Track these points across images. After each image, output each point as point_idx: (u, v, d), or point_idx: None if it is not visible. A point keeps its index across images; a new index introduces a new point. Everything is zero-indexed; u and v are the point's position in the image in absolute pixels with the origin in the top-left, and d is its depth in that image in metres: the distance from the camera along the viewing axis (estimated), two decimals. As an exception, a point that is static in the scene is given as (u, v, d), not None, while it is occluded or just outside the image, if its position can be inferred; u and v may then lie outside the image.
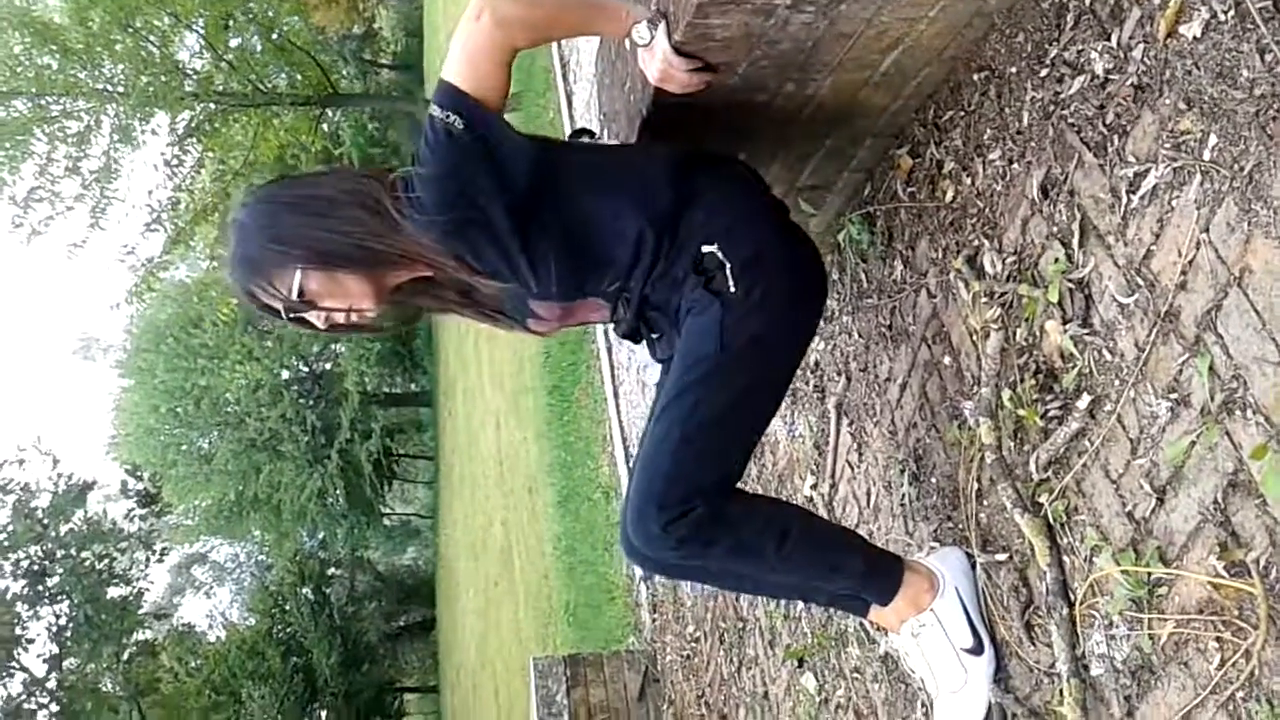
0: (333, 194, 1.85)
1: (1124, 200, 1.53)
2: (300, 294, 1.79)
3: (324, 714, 25.81)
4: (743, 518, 1.80)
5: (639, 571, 5.34)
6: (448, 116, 1.68)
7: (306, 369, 26.93)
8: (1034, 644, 1.74)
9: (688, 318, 1.82)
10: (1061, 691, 1.60)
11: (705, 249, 1.80)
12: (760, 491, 3.16)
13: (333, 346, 26.87)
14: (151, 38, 9.77)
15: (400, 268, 1.85)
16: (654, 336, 1.99)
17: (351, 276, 1.81)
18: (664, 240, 1.82)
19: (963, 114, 1.98)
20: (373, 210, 1.78)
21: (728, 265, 1.78)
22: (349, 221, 1.79)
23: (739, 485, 1.87)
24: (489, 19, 1.68)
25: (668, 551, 1.76)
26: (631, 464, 1.96)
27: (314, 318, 1.85)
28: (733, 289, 1.77)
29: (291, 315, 1.83)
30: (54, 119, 9.63)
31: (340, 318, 1.86)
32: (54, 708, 20.58)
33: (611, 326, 2.03)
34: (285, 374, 25.92)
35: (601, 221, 1.83)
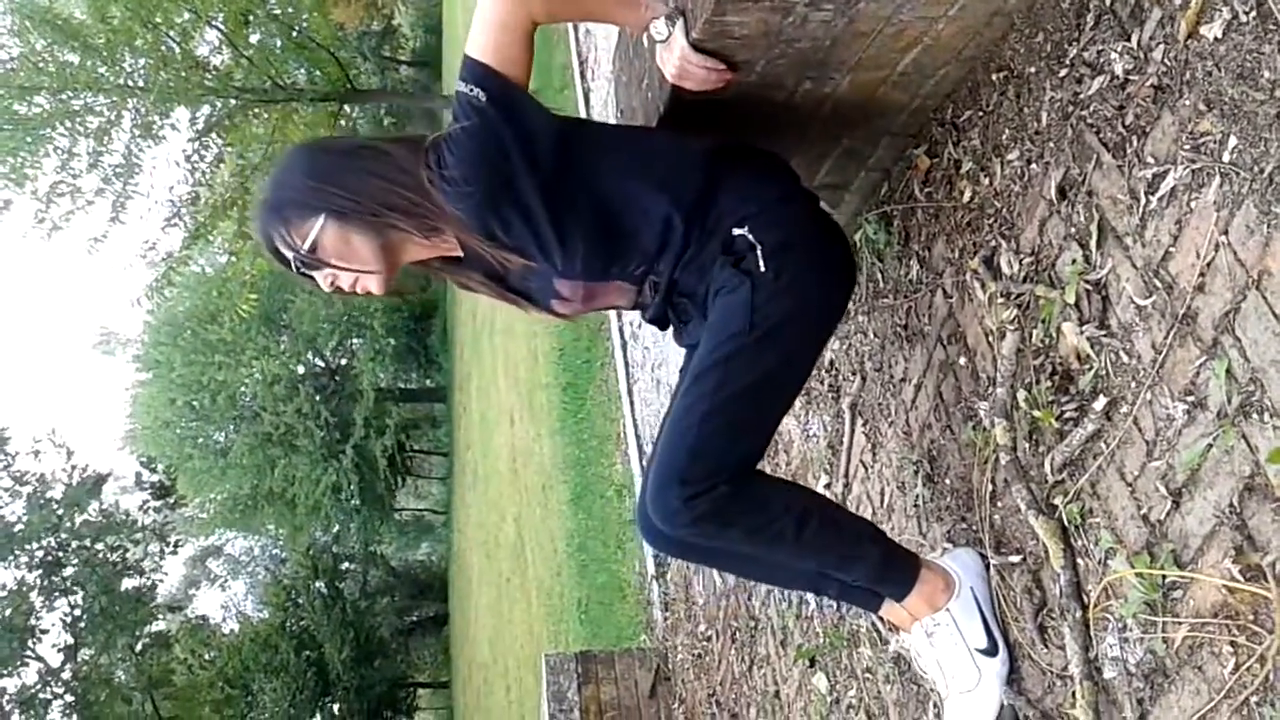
0: (376, 148, 1.87)
1: (1143, 201, 1.52)
2: (313, 248, 1.80)
3: (336, 708, 25.91)
4: (763, 499, 1.79)
5: (651, 569, 5.34)
6: (471, 90, 1.69)
7: (322, 364, 27.04)
8: (1047, 646, 1.73)
9: (718, 297, 1.82)
10: (1074, 694, 1.60)
11: (736, 231, 1.81)
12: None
13: (348, 342, 26.97)
14: (171, 33, 9.82)
15: (427, 239, 1.85)
16: (683, 323, 1.99)
17: (366, 244, 1.81)
18: (693, 226, 1.82)
19: (981, 114, 1.98)
20: (407, 172, 1.79)
21: (759, 247, 1.78)
22: (388, 177, 1.79)
23: (759, 468, 1.87)
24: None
25: (685, 528, 1.75)
26: (645, 462, 1.96)
27: (320, 277, 1.85)
28: (763, 269, 1.77)
29: (300, 268, 1.84)
30: (75, 114, 9.70)
31: (345, 283, 1.86)
32: (69, 698, 20.69)
33: (639, 312, 2.02)
34: (301, 369, 26.05)
35: (631, 204, 1.82)
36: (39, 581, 21.23)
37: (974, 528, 1.98)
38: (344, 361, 27.53)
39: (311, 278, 1.86)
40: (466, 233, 1.81)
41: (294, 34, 11.38)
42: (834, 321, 1.94)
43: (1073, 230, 1.69)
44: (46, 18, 9.55)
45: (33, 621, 20.92)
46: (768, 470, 3.20)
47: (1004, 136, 1.91)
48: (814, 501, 1.94)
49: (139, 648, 22.30)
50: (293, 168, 1.88)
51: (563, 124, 1.81)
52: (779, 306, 1.77)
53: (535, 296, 1.99)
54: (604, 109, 7.04)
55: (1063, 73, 1.72)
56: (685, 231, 1.82)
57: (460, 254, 1.90)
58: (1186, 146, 1.43)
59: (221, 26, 10.41)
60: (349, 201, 1.78)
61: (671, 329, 2.05)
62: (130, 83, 9.87)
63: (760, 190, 1.86)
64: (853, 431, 2.60)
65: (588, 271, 1.88)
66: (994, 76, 1.93)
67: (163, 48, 9.86)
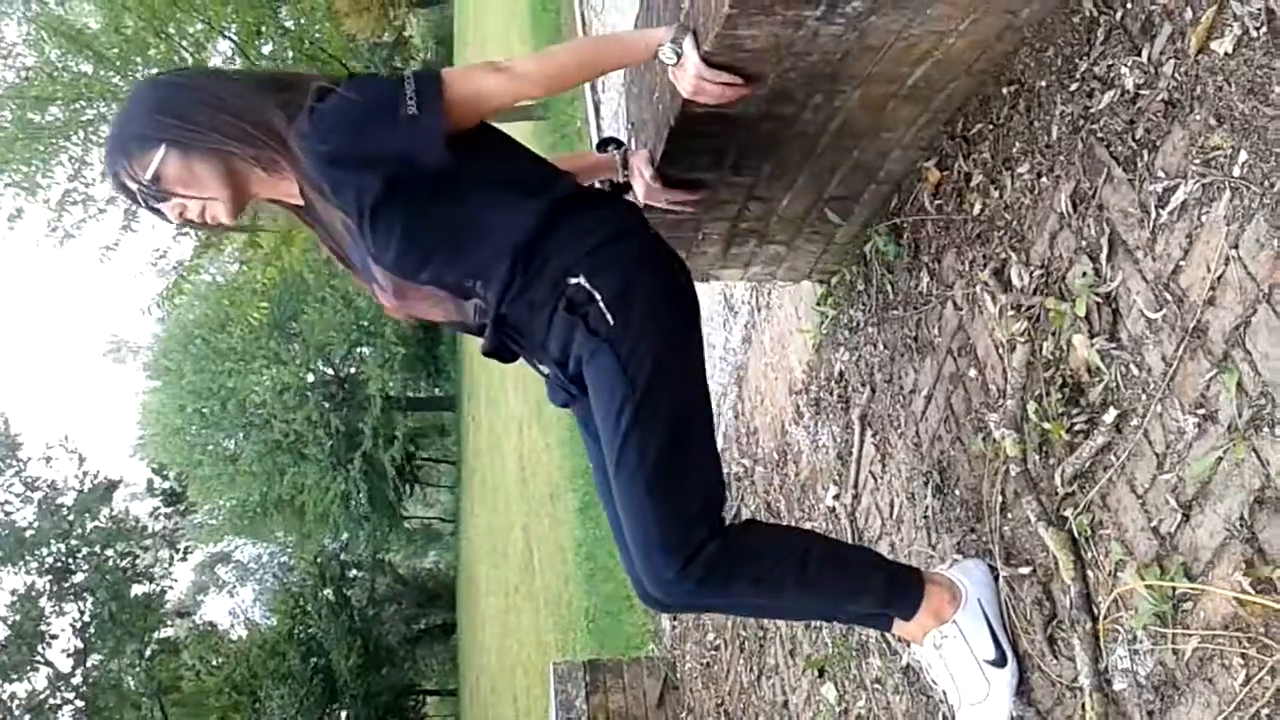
0: (224, 81, 1.87)
1: (1153, 215, 1.53)
2: (155, 179, 1.77)
3: (343, 715, 25.92)
4: (758, 550, 1.79)
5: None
6: (410, 95, 1.69)
7: (331, 372, 27.10)
8: (1057, 657, 1.74)
9: (585, 367, 1.78)
10: (1084, 705, 1.60)
11: (570, 280, 1.76)
12: (781, 502, 3.16)
13: (357, 351, 27.02)
14: (185, 43, 9.89)
15: (267, 173, 1.82)
16: (539, 368, 1.94)
17: (209, 173, 1.78)
18: (518, 263, 1.78)
19: (992, 127, 1.99)
20: (251, 105, 1.77)
21: (598, 297, 1.75)
22: (228, 107, 1.77)
23: (751, 515, 1.86)
24: (509, 75, 1.76)
25: (689, 596, 1.76)
26: (610, 517, 1.95)
27: (167, 208, 1.82)
28: (611, 322, 1.74)
29: (148, 202, 1.81)
30: (88, 123, 9.75)
31: (193, 213, 1.83)
32: (79, 703, 20.72)
33: (479, 342, 1.97)
34: (311, 377, 26.12)
35: (465, 220, 1.79)
36: (49, 587, 21.27)
37: (984, 539, 1.98)
38: (353, 370, 27.58)
39: (160, 211, 1.83)
40: (299, 170, 1.77)
41: (306, 45, 11.44)
42: (697, 329, 1.88)
43: (1083, 243, 1.70)
44: (61, 28, 9.62)
45: (42, 627, 20.95)
46: (776, 482, 3.21)
47: (1015, 150, 1.91)
48: (811, 541, 1.94)
49: (148, 654, 22.33)
50: (136, 102, 1.86)
51: (453, 159, 1.74)
52: (645, 353, 1.73)
53: (358, 271, 1.96)
54: (614, 121, 7.06)
55: (1073, 87, 1.73)
56: (512, 267, 1.78)
57: (301, 203, 1.87)
58: (1197, 161, 1.44)
59: (234, 37, 10.48)
60: (189, 131, 1.76)
61: (547, 390, 2.01)
62: (143, 92, 9.92)
63: (589, 232, 1.82)
64: (862, 443, 2.60)
65: (398, 266, 1.83)
66: (1005, 90, 1.94)
67: (176, 58, 9.93)
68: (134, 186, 1.79)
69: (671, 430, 1.75)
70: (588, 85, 8.29)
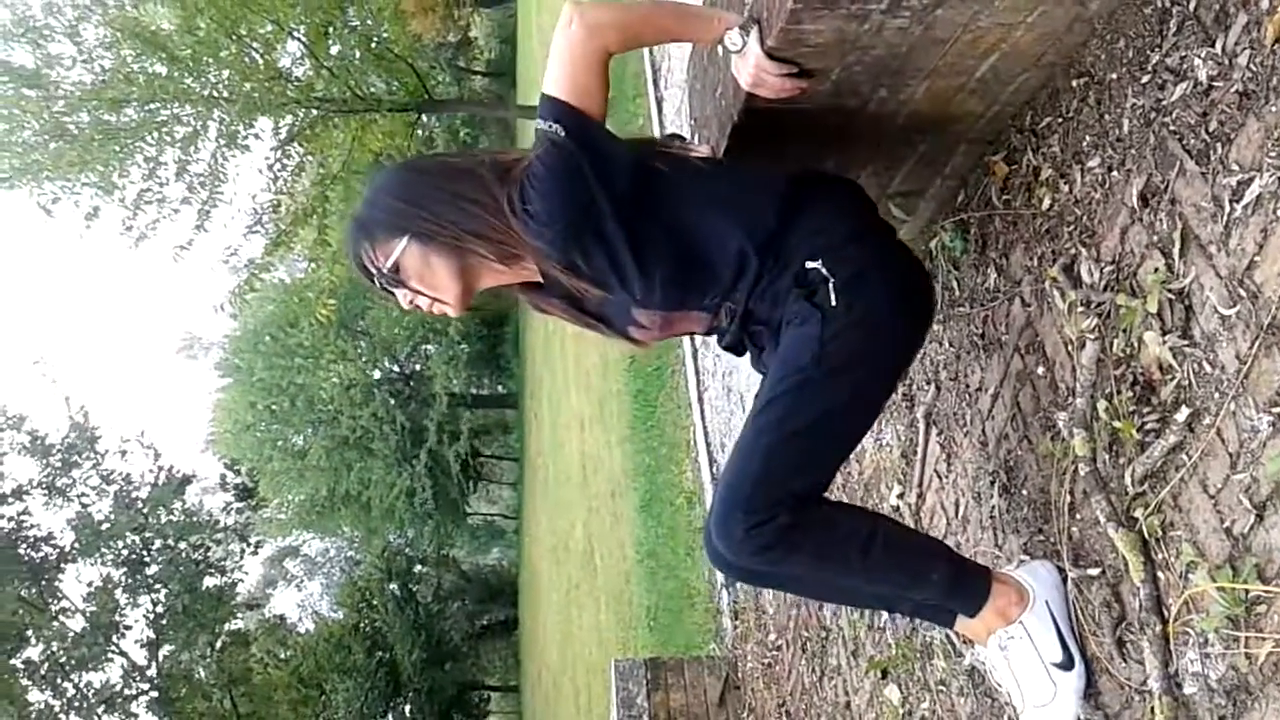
0: (468, 171, 1.90)
1: (1226, 209, 1.49)
2: (395, 269, 1.86)
3: (407, 709, 26.21)
4: (827, 525, 1.79)
5: (720, 578, 5.33)
6: (550, 126, 1.73)
7: (397, 370, 27.44)
8: (1125, 660, 1.71)
9: (787, 329, 1.82)
10: (1153, 709, 1.57)
11: (809, 264, 1.80)
12: (845, 500, 3.14)
13: (422, 348, 27.35)
14: (255, 45, 10.05)
15: (507, 266, 1.89)
16: (758, 350, 1.99)
17: (445, 268, 1.86)
18: (767, 258, 1.83)
19: (1061, 120, 1.96)
20: (494, 197, 1.82)
21: (831, 280, 1.78)
22: (473, 202, 1.83)
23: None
24: (579, 26, 1.74)
25: (751, 557, 1.76)
26: (715, 470, 1.97)
27: (401, 295, 1.91)
28: (834, 303, 1.77)
29: (383, 286, 1.90)
30: (162, 124, 9.96)
31: (424, 304, 1.92)
32: (153, 694, 21.21)
33: (715, 339, 2.03)
34: (377, 374, 26.47)
35: (707, 236, 1.84)
36: (124, 579, 21.79)
37: (1051, 540, 1.95)
38: (418, 367, 27.91)
39: (393, 294, 1.92)
40: (546, 262, 1.84)
41: (373, 45, 11.58)
42: (908, 358, 1.92)
43: (1155, 238, 1.66)
44: (136, 30, 9.84)
45: (117, 618, 21.48)
46: (839, 480, 3.19)
47: (1084, 143, 1.88)
48: (878, 523, 1.93)
49: (219, 645, 22.78)
50: (384, 188, 1.94)
51: (636, 156, 1.83)
52: (848, 342, 1.76)
53: (613, 323, 2.01)
54: (677, 117, 7.06)
55: (1145, 79, 1.70)
56: (760, 263, 1.83)
57: (539, 279, 1.93)
58: (1272, 153, 1.40)
59: (303, 38, 10.64)
60: (433, 225, 1.83)
61: (749, 355, 2.05)
62: (215, 93, 10.13)
63: (835, 223, 1.86)
64: (927, 441, 2.58)
65: (665, 301, 1.90)
66: (1074, 83, 1.91)
67: (246, 59, 10.11)
68: (372, 270, 1.89)
69: (824, 417, 1.78)
70: (650, 82, 8.30)
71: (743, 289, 1.86)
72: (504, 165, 1.87)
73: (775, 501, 1.72)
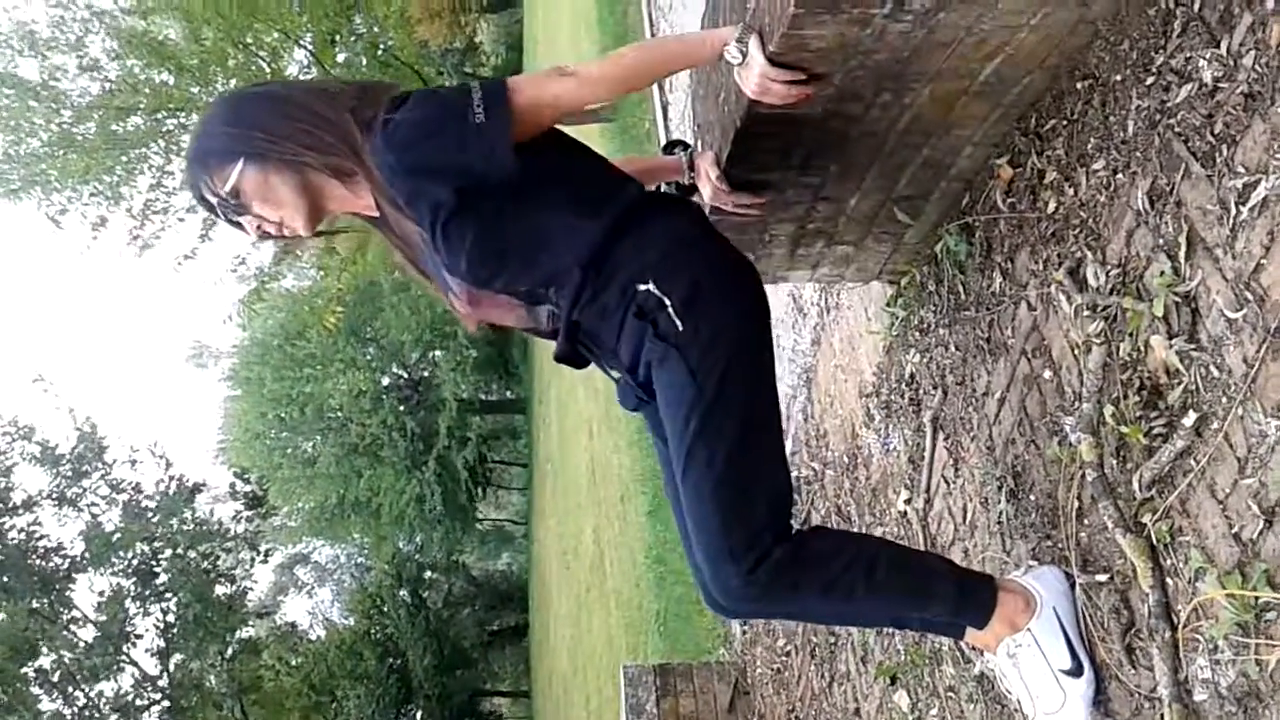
0: (293, 94, 1.88)
1: (1233, 212, 1.48)
2: (234, 193, 1.80)
3: (419, 715, 26.21)
4: (825, 556, 1.77)
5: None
6: (478, 105, 1.70)
7: (406, 376, 27.45)
8: (1135, 667, 1.69)
9: (654, 371, 1.78)
10: (1163, 716, 1.56)
11: (640, 287, 1.76)
12: (852, 506, 3.13)
13: (430, 354, 27.36)
14: (262, 53, 10.10)
15: (341, 182, 1.84)
16: (610, 373, 1.94)
17: (286, 185, 1.81)
18: (589, 270, 1.78)
19: (1065, 123, 1.94)
20: (324, 116, 1.79)
21: (668, 303, 1.74)
22: (302, 119, 1.79)
23: (820, 521, 1.84)
24: (575, 79, 1.76)
25: (754, 602, 1.75)
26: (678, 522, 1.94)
27: (247, 222, 1.86)
28: (681, 328, 1.73)
29: (228, 215, 1.85)
30: (169, 133, 10.02)
31: (271, 227, 1.87)
32: (164, 704, 21.22)
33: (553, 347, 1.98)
34: (385, 381, 26.49)
35: (535, 230, 1.80)
36: (134, 589, 21.81)
37: (1059, 545, 1.94)
38: (426, 373, 27.92)
39: (239, 224, 1.87)
40: (375, 184, 1.79)
41: (379, 52, 11.62)
42: (767, 333, 1.86)
43: (1161, 241, 1.65)
44: (143, 41, 9.89)
45: (128, 628, 21.48)
46: (847, 486, 3.18)
47: (1089, 146, 1.87)
48: (878, 547, 1.92)
49: (229, 654, 22.77)
50: (214, 116, 1.90)
51: (520, 167, 1.74)
52: (714, 358, 1.73)
53: (437, 283, 1.97)
54: (682, 122, 7.06)
55: (1149, 80, 1.69)
56: (582, 275, 1.78)
57: (376, 214, 1.89)
58: (1279, 156, 1.39)
59: (309, 46, 10.68)
60: (265, 142, 1.79)
61: (617, 394, 2.01)
62: (222, 102, 10.17)
63: (657, 237, 1.82)
64: (934, 446, 2.56)
65: (471, 275, 1.85)
66: (1079, 85, 1.90)
67: (253, 67, 10.15)
68: (214, 200, 1.84)
69: (739, 436, 1.74)
70: (655, 87, 8.29)
71: (564, 297, 1.81)
72: (339, 89, 1.86)
73: (755, 534, 1.70)
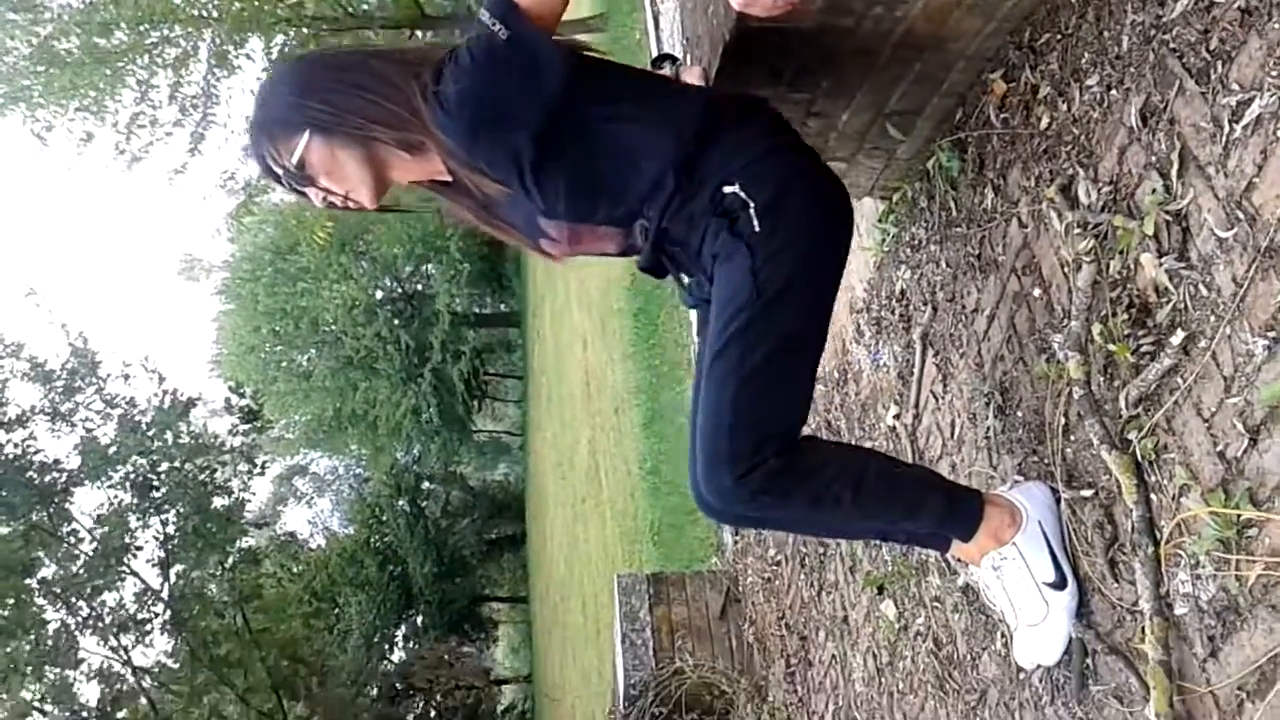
0: (364, 62, 1.85)
1: (1226, 130, 1.46)
2: (300, 165, 1.80)
3: (419, 620, 26.72)
4: (817, 466, 1.78)
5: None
6: (494, 24, 1.66)
7: (400, 289, 27.40)
8: (1117, 581, 1.72)
9: (718, 265, 1.78)
10: (1144, 629, 1.59)
11: (727, 189, 1.75)
12: (842, 421, 3.15)
13: (424, 268, 27.26)
14: (244, -41, 9.88)
15: (411, 155, 1.83)
16: (683, 278, 1.94)
17: (352, 159, 1.79)
18: (681, 176, 1.77)
19: (1060, 38, 1.91)
20: (393, 85, 1.76)
21: (751, 205, 1.73)
22: (371, 90, 1.77)
23: (811, 432, 1.85)
24: None
25: (743, 505, 1.76)
26: (689, 435, 1.94)
27: (312, 194, 1.86)
28: (757, 229, 1.72)
29: (292, 185, 1.85)
30: (153, 46, 9.82)
31: (337, 199, 1.87)
32: (167, 615, 21.50)
33: (634, 260, 1.98)
34: (379, 294, 26.44)
35: (620, 150, 1.78)
36: (133, 501, 21.94)
37: (1045, 461, 1.96)
38: (420, 287, 27.85)
39: (304, 194, 1.86)
40: (449, 155, 1.78)
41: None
42: (840, 266, 1.87)
43: (1153, 159, 1.64)
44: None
45: (128, 540, 21.66)
46: (837, 400, 3.19)
47: (1083, 61, 1.84)
48: (868, 458, 1.93)
49: (229, 563, 23.04)
50: (278, 84, 1.87)
51: (575, 70, 1.73)
52: (780, 265, 1.72)
53: (521, 230, 1.96)
54: (672, 34, 6.93)
55: (1146, -7, 1.66)
56: (675, 182, 1.77)
57: (448, 178, 1.87)
58: (1274, 72, 1.37)
59: (292, -50, 10.45)
60: (331, 115, 1.77)
61: (677, 291, 2.01)
62: (205, 13, 9.96)
63: (750, 143, 1.80)
64: (923, 362, 2.57)
65: (571, 212, 1.84)
66: (1074, -2, 1.86)
67: (236, -26, 9.94)
68: (279, 170, 1.83)
69: (778, 347, 1.74)
70: (647, -5, 8.13)
71: (656, 207, 1.80)
72: (406, 56, 1.82)
73: (758, 445, 1.71)
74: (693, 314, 2.03)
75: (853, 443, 3.03)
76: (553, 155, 1.76)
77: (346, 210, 1.93)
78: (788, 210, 1.75)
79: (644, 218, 1.84)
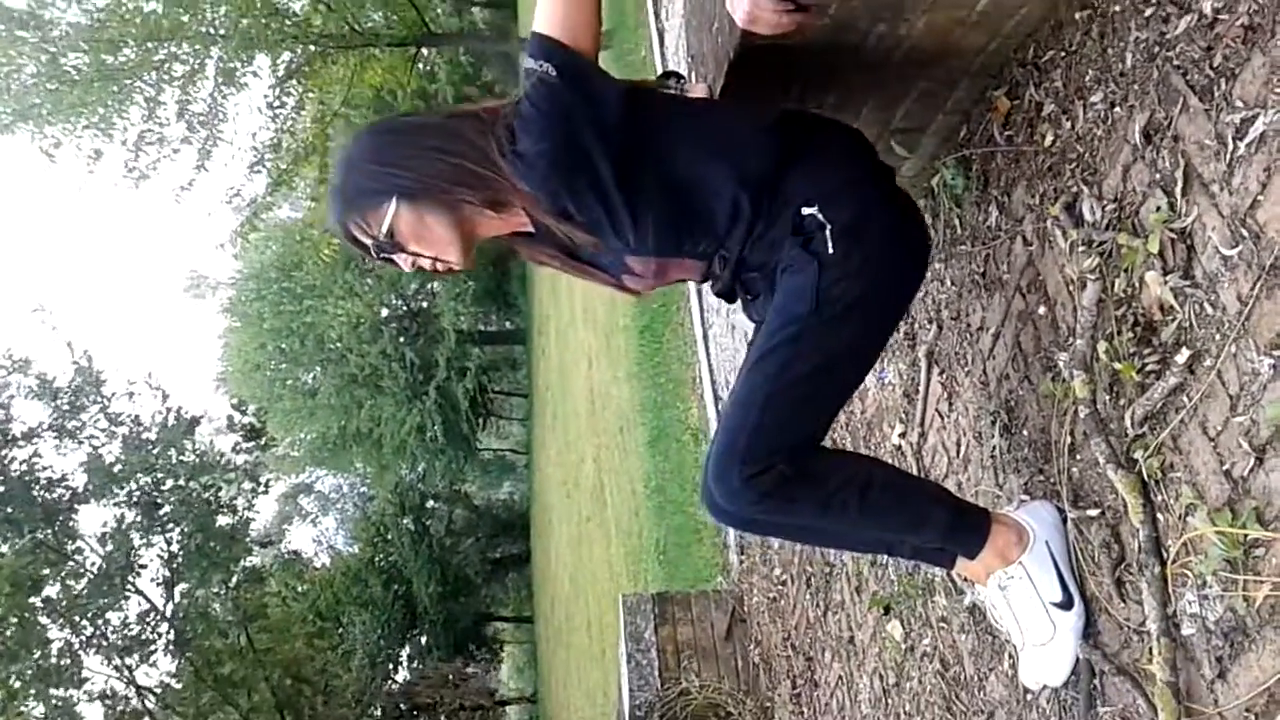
0: (442, 125, 1.87)
1: (1230, 147, 1.46)
2: (390, 234, 1.81)
3: (423, 640, 26.63)
4: (825, 474, 1.78)
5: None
6: (541, 66, 1.67)
7: (405, 306, 27.44)
8: (1124, 601, 1.71)
9: (783, 275, 1.79)
10: (1151, 650, 1.57)
11: (805, 210, 1.76)
12: (848, 439, 3.14)
13: (429, 285, 27.30)
14: (249, -24, 9.94)
15: (497, 213, 1.84)
16: (749, 298, 1.96)
17: (440, 223, 1.80)
18: (762, 203, 1.78)
19: (1064, 54, 1.91)
20: (473, 146, 1.78)
21: (828, 227, 1.74)
22: (453, 152, 1.78)
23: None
24: None
25: (749, 506, 1.75)
26: (720, 407, 1.94)
27: (401, 260, 1.87)
28: (831, 251, 1.73)
29: (380, 254, 1.85)
30: (160, 64, 9.88)
31: (426, 265, 1.87)
32: (171, 634, 21.44)
33: (708, 285, 2.00)
34: (385, 311, 26.49)
35: (700, 182, 1.79)
36: (138, 520, 21.92)
37: (1051, 480, 1.95)
38: (425, 304, 27.90)
39: (393, 261, 1.87)
40: (536, 208, 1.80)
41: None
42: (904, 305, 1.89)
43: (1157, 176, 1.63)
44: (130, -32, 9.73)
45: (132, 558, 21.63)
46: (842, 419, 3.18)
47: (1087, 78, 1.84)
48: (875, 468, 1.92)
49: (234, 582, 22.99)
50: (358, 154, 1.87)
51: (631, 94, 1.76)
52: (847, 289, 1.74)
53: (607, 270, 1.97)
54: (676, 51, 6.96)
55: (1149, 12, 1.65)
56: (753, 210, 1.78)
57: (531, 229, 1.89)
58: (1278, 89, 1.37)
59: (298, -30, 10.51)
60: (417, 182, 1.78)
61: (740, 302, 2.03)
62: (212, 30, 10.01)
63: (832, 169, 1.82)
64: (929, 380, 2.56)
65: (659, 248, 1.85)
66: (1077, 15, 1.86)
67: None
68: (368, 241, 1.83)
69: (824, 365, 1.76)
70: (650, 13, 8.16)
71: (737, 236, 1.81)
72: (479, 113, 1.83)
73: (773, 451, 1.71)
74: (750, 327, 2.04)
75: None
76: (639, 191, 1.77)
77: (435, 273, 1.93)
78: (864, 238, 1.76)
79: (724, 249, 1.85)
